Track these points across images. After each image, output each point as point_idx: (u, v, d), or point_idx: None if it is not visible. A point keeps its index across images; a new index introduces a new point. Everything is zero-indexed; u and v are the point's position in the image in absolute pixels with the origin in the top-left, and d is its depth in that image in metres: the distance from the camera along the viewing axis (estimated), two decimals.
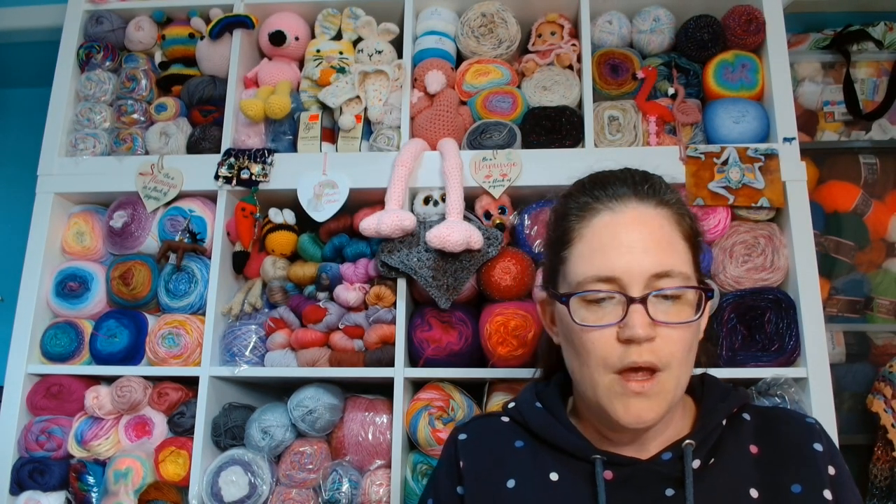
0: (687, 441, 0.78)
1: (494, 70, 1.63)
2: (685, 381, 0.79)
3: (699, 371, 0.89)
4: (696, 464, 0.78)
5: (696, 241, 0.83)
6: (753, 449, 0.81)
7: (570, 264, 0.80)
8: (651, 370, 0.75)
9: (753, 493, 0.77)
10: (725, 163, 1.48)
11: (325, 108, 1.64)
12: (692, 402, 0.87)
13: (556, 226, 0.85)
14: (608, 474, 0.79)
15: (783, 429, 0.82)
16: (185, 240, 1.58)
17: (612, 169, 0.86)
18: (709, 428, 0.80)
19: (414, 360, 1.47)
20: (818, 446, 0.80)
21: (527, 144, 1.56)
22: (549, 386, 0.92)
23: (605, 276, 0.76)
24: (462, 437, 0.90)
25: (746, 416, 0.84)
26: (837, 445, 0.83)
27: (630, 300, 0.74)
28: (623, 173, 0.84)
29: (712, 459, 0.80)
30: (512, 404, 0.92)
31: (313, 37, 1.74)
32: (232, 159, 1.59)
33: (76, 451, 1.52)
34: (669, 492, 0.77)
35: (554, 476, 0.82)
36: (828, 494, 0.76)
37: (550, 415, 0.87)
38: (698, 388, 0.87)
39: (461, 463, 0.87)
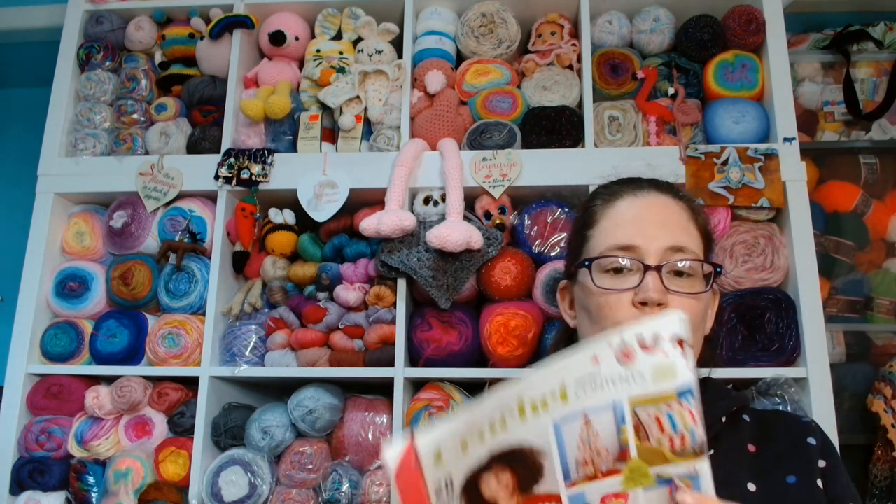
0: None
1: (494, 70, 1.63)
2: (694, 354, 0.82)
3: (704, 373, 0.91)
4: None
5: (708, 238, 0.89)
6: (751, 448, 0.83)
7: (593, 240, 0.87)
8: None
9: (751, 486, 0.78)
10: (725, 163, 1.48)
11: (325, 108, 1.64)
12: None
13: (582, 212, 0.92)
14: None
15: (780, 428, 0.85)
16: (185, 240, 1.58)
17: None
18: (707, 422, 0.82)
19: (414, 360, 1.47)
20: (812, 440, 0.83)
21: (527, 144, 1.56)
22: None
23: (624, 245, 0.82)
24: None
25: (746, 418, 0.87)
26: (837, 445, 0.85)
27: (647, 268, 0.80)
28: (650, 178, 0.92)
29: (711, 451, 0.81)
30: None
31: (313, 37, 1.74)
32: (232, 159, 1.59)
33: (76, 451, 1.52)
34: None
35: None
36: (820, 484, 0.79)
37: None
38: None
39: None
